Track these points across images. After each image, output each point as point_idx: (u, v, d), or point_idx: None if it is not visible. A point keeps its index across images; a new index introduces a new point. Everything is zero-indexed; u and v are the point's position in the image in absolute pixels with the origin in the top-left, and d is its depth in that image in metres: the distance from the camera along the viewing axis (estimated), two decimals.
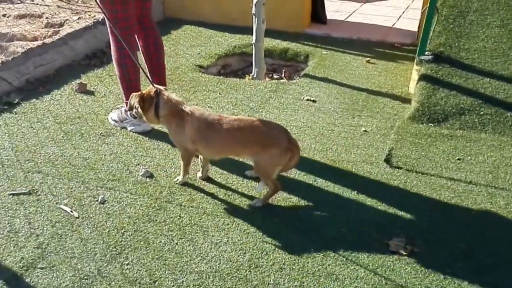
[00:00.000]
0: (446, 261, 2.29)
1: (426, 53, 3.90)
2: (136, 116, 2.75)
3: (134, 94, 2.66)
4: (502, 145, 3.17)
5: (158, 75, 3.40)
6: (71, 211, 2.51)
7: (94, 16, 5.27)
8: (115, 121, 3.43)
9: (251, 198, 2.69)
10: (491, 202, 2.67)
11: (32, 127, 3.35)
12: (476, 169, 2.94)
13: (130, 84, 3.25)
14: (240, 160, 3.01)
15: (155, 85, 2.66)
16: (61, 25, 5.09)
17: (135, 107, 2.62)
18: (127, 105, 3.31)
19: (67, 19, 5.22)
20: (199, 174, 2.83)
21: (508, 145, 3.18)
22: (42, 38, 4.77)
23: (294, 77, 4.65)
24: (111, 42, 3.25)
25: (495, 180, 2.85)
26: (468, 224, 2.51)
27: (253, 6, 4.14)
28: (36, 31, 5.01)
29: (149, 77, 2.93)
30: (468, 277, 2.19)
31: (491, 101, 3.49)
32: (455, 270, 2.24)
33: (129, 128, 3.36)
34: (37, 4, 5.72)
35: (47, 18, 5.31)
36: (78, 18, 5.29)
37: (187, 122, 2.53)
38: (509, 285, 2.16)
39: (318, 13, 5.60)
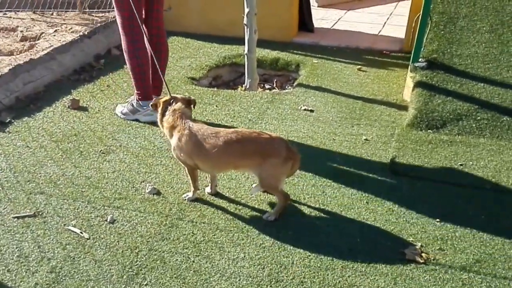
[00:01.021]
0: (462, 267, 2.30)
1: (420, 60, 3.96)
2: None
3: (161, 98, 2.77)
4: (501, 150, 3.24)
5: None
6: (81, 232, 2.44)
7: (71, 28, 5.17)
8: (125, 114, 3.62)
9: (262, 211, 2.67)
10: (499, 206, 2.72)
11: (28, 146, 3.26)
12: (479, 174, 2.99)
13: (144, 75, 3.49)
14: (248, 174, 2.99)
15: (172, 95, 2.75)
16: (37, 38, 4.98)
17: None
18: (139, 96, 3.55)
19: (43, 32, 5.10)
20: (208, 190, 2.79)
21: (506, 149, 3.24)
22: (18, 52, 4.66)
23: (286, 87, 4.65)
24: (122, 37, 3.47)
25: (499, 184, 2.90)
26: (479, 229, 2.54)
27: (245, 17, 4.13)
28: (11, 45, 4.88)
29: (167, 84, 3.04)
30: (485, 283, 2.21)
31: (487, 106, 3.56)
32: (471, 277, 2.26)
33: (143, 119, 3.57)
34: (10, 17, 5.58)
35: (21, 31, 5.17)
36: (55, 31, 5.18)
37: (184, 136, 2.52)
38: None
39: (305, 22, 5.64)
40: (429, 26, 4.02)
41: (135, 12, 3.13)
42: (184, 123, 2.56)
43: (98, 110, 3.76)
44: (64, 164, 3.05)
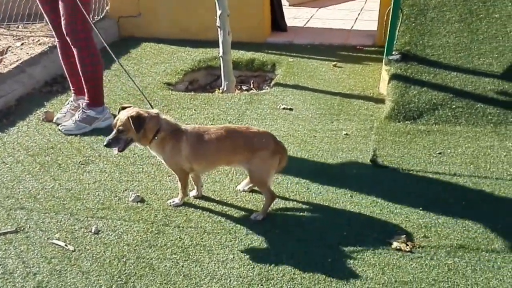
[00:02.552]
0: (447, 253, 2.34)
1: (394, 53, 4.02)
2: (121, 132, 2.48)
3: (129, 110, 2.48)
4: (477, 136, 3.31)
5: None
6: (66, 245, 2.40)
7: (38, 40, 5.08)
8: (80, 127, 3.53)
9: (248, 211, 2.66)
10: (478, 192, 2.77)
11: (4, 162, 3.18)
12: (458, 161, 3.05)
13: (98, 81, 3.55)
14: (232, 174, 2.98)
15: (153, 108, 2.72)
16: (4, 52, 4.87)
17: (128, 126, 2.43)
18: (96, 103, 3.54)
19: (10, 46, 5.00)
20: (193, 193, 2.78)
21: (482, 135, 3.32)
22: None
23: (263, 87, 4.67)
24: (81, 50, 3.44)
25: (477, 170, 2.97)
26: (461, 215, 2.59)
27: (217, 19, 4.13)
28: None
29: (146, 98, 3.01)
30: (469, 266, 2.26)
31: (461, 94, 3.63)
32: (456, 261, 2.29)
33: (103, 125, 3.55)
34: None
35: None
36: (21, 44, 5.09)
37: (183, 141, 2.49)
38: (508, 270, 2.23)
39: (278, 21, 5.66)
40: (401, 18, 4.08)
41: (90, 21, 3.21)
42: (181, 128, 2.55)
43: None
44: (43, 178, 2.99)
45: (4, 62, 4.55)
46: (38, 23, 5.59)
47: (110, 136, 2.47)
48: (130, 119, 2.39)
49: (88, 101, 3.57)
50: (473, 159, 3.07)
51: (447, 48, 4.00)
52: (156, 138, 2.50)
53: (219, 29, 4.18)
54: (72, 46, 3.41)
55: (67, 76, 3.75)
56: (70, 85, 3.78)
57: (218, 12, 4.11)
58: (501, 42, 3.98)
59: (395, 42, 4.04)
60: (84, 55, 3.41)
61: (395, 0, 3.83)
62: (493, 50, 3.93)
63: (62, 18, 3.31)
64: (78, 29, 3.31)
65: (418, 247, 2.39)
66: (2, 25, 5.56)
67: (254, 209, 2.68)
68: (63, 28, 3.34)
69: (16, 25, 5.64)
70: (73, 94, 3.79)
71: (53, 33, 3.57)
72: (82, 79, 3.51)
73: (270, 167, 2.53)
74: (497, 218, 2.56)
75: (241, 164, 2.57)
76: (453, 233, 2.47)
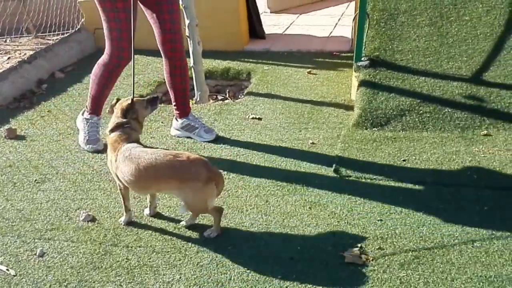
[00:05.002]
0: (401, 265, 2.27)
1: (363, 58, 3.96)
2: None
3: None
4: (443, 141, 3.23)
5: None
6: (7, 269, 2.34)
7: (25, 54, 5.06)
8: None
9: (203, 227, 2.60)
10: (439, 199, 2.70)
11: None
12: (422, 168, 2.98)
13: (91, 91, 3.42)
14: None
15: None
16: None
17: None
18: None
19: None
20: (146, 211, 2.71)
21: (449, 140, 3.24)
22: None
23: (239, 96, 4.61)
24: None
25: (440, 176, 2.89)
26: (418, 224, 2.52)
27: (186, 28, 4.08)
28: None
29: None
30: (422, 279, 2.18)
31: (429, 100, 3.56)
32: (409, 274, 2.22)
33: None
34: None
35: None
36: (8, 58, 5.08)
37: (117, 154, 2.45)
38: (461, 282, 2.16)
39: (255, 29, 5.62)
40: (368, 23, 4.02)
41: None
42: (121, 139, 2.51)
43: (36, 138, 3.65)
44: None
45: None
46: (26, 36, 5.59)
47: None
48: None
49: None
50: (437, 165, 2.99)
51: (416, 53, 3.94)
52: (119, 131, 2.51)
53: (188, 39, 4.13)
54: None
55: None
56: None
57: (187, 22, 4.06)
58: (471, 45, 3.91)
59: (363, 48, 3.98)
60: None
61: (360, 5, 3.78)
62: (462, 53, 3.87)
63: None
64: None
65: (372, 260, 2.31)
66: None
67: (209, 224, 2.61)
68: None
69: (4, 39, 5.64)
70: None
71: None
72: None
73: (205, 197, 2.39)
74: (455, 227, 2.48)
75: (173, 193, 2.51)
76: (409, 244, 2.39)
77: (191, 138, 3.56)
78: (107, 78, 3.33)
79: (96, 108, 3.46)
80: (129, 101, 2.62)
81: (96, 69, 3.34)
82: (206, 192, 2.38)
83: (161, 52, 3.44)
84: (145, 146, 2.56)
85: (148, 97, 2.79)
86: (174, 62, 3.39)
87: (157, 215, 2.71)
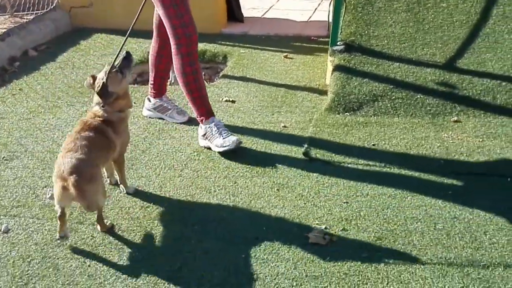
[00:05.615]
0: (363, 246, 2.31)
1: (338, 43, 3.97)
2: None
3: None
4: (413, 127, 3.28)
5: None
6: None
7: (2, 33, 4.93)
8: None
9: (171, 206, 2.60)
10: (405, 184, 2.74)
11: None
12: (390, 153, 3.02)
13: (192, 94, 3.08)
14: (160, 169, 2.92)
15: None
16: None
17: None
18: (200, 119, 3.14)
19: None
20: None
21: (419, 126, 3.28)
22: None
23: (215, 79, 4.58)
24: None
25: (407, 161, 2.93)
26: (383, 207, 2.56)
27: None
28: None
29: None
30: (383, 259, 2.23)
31: (402, 85, 3.59)
32: (371, 254, 2.26)
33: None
34: None
35: None
36: None
37: None
38: (421, 263, 2.21)
39: (234, 12, 5.57)
40: (345, 8, 4.03)
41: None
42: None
43: (6, 116, 3.59)
44: None
45: None
46: (2, 15, 5.44)
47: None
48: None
49: None
50: (406, 150, 3.04)
51: (392, 39, 3.96)
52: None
53: None
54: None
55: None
56: None
57: None
58: (446, 31, 3.95)
59: (339, 32, 3.98)
60: None
61: None
62: (437, 40, 3.90)
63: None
64: None
65: (336, 241, 2.35)
66: None
67: (180, 201, 2.62)
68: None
69: None
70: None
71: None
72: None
73: (56, 193, 2.23)
74: (419, 210, 2.53)
75: None
76: (373, 226, 2.44)
77: (163, 119, 3.54)
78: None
79: (206, 109, 3.18)
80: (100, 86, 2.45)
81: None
82: (56, 191, 2.22)
83: (156, 31, 3.36)
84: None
85: (118, 63, 2.54)
86: (165, 43, 3.21)
87: (125, 196, 2.70)
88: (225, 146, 3.02)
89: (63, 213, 2.27)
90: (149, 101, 3.58)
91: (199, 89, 3.08)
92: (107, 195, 2.58)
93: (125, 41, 2.68)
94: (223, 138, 3.04)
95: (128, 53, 2.59)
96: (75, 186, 2.11)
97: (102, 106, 2.47)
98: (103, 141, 2.42)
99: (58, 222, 2.30)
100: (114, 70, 2.49)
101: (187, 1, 2.97)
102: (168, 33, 2.98)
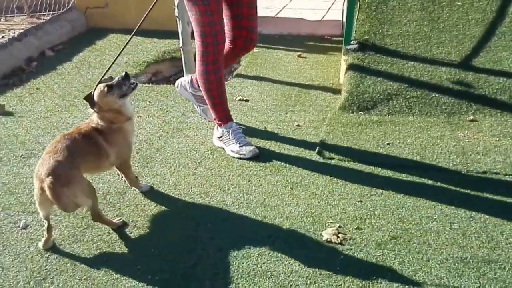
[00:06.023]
0: (377, 245, 2.30)
1: (352, 42, 3.96)
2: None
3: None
4: (428, 126, 3.25)
5: None
6: None
7: (20, 33, 5.02)
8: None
9: (184, 203, 2.62)
10: (420, 183, 2.73)
11: None
12: (405, 152, 3.00)
13: (213, 100, 3.07)
14: (175, 167, 2.95)
15: None
16: None
17: None
18: (218, 123, 3.13)
19: None
20: None
21: (434, 125, 3.26)
22: None
23: (229, 78, 4.60)
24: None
25: (423, 160, 2.92)
26: (398, 206, 2.55)
27: (176, 8, 4.06)
28: None
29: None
30: (398, 258, 2.22)
31: (417, 84, 3.57)
32: (385, 253, 2.25)
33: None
34: None
35: None
36: (2, 37, 5.05)
37: None
38: (436, 263, 2.19)
39: None
40: (359, 7, 4.01)
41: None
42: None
43: (24, 114, 3.66)
44: None
45: None
46: (20, 15, 5.54)
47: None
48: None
49: None
50: (421, 149, 3.02)
51: (407, 37, 3.94)
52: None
53: (177, 19, 4.11)
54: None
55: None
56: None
57: (176, 1, 4.04)
58: (462, 30, 3.91)
59: (353, 31, 3.97)
60: None
61: None
62: (452, 38, 3.87)
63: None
64: None
65: (350, 239, 2.35)
66: None
67: (194, 199, 2.64)
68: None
69: None
70: None
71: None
72: None
73: (35, 194, 2.24)
74: (434, 209, 2.52)
75: None
76: (387, 225, 2.43)
77: (179, 118, 3.56)
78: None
79: (225, 114, 3.15)
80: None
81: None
82: (36, 192, 2.23)
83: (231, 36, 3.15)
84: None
85: (114, 80, 2.48)
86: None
87: (140, 194, 2.73)
88: (241, 155, 3.04)
89: (49, 225, 2.29)
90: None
91: (220, 95, 3.08)
92: (119, 192, 2.60)
93: (129, 39, 2.74)
94: (240, 146, 3.05)
95: (126, 74, 2.50)
96: (50, 188, 2.10)
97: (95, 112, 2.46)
98: (91, 146, 2.39)
99: (45, 234, 2.31)
100: (104, 84, 2.45)
101: (221, 10, 2.90)
102: (196, 38, 2.94)
